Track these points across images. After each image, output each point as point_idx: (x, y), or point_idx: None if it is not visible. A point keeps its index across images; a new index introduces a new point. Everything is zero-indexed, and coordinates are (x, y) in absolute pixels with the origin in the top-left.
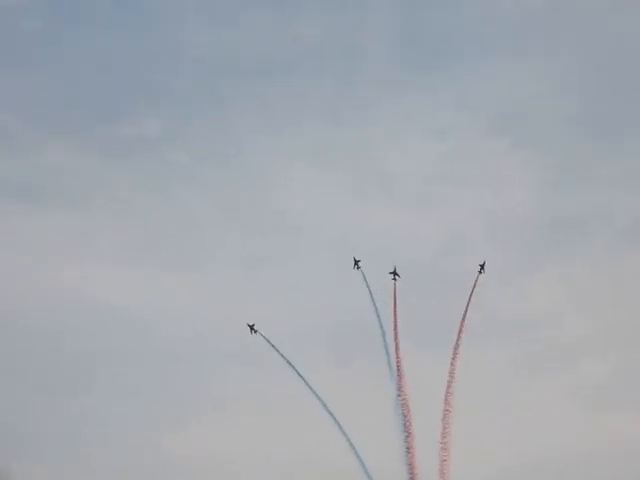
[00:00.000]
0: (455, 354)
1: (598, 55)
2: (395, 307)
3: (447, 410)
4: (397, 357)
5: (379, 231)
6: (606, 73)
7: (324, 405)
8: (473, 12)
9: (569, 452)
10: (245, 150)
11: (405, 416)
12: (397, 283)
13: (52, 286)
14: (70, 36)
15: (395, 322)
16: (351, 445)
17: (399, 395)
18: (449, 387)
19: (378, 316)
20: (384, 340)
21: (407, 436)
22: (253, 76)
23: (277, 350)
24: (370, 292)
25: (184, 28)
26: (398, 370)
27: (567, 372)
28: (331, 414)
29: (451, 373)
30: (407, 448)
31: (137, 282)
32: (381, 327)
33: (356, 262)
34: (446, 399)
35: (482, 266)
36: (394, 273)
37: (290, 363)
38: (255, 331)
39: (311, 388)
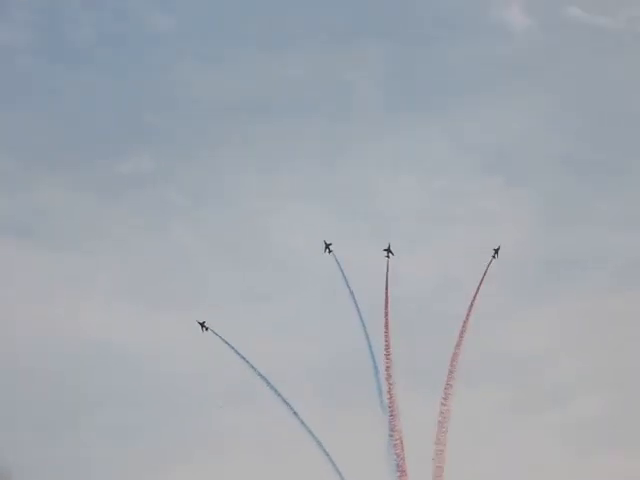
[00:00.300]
0: (448, 393)
1: (591, 93)
2: (387, 335)
3: (440, 449)
4: (390, 396)
5: (373, 269)
6: (599, 111)
7: (319, 444)
8: (464, 51)
9: None
10: (240, 188)
11: (398, 455)
12: (390, 320)
13: (48, 324)
14: (65, 75)
15: (387, 360)
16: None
17: (392, 434)
18: (442, 426)
19: (372, 354)
20: (377, 378)
21: (400, 476)
22: (246, 115)
23: (273, 387)
24: (365, 331)
25: (178, 69)
26: (391, 409)
27: (560, 411)
28: (326, 453)
29: (444, 412)
30: None
31: (134, 320)
32: (375, 366)
33: (327, 246)
34: (439, 438)
35: (496, 251)
36: (388, 250)
37: (287, 402)
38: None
39: (306, 427)
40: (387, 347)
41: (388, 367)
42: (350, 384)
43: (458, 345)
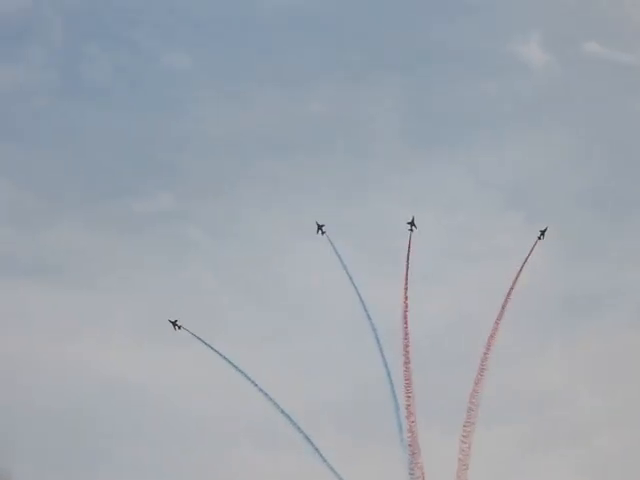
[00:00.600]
0: (468, 430)
1: (610, 129)
2: (408, 372)
3: None
4: (411, 433)
5: (392, 306)
6: (618, 148)
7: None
8: (482, 87)
9: None
10: (258, 225)
11: None
12: (411, 360)
13: (66, 364)
14: (82, 113)
15: (408, 396)
16: None
17: (413, 471)
18: (462, 463)
19: (393, 391)
20: (398, 415)
21: None
22: (263, 152)
23: (294, 423)
24: (387, 366)
25: (194, 106)
26: (412, 446)
27: (580, 449)
28: None
29: (464, 449)
30: None
31: (153, 358)
32: (395, 402)
33: (319, 227)
34: (459, 475)
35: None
36: (411, 223)
37: (308, 438)
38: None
39: (328, 463)
40: (407, 383)
41: (409, 404)
42: (371, 421)
43: (477, 382)
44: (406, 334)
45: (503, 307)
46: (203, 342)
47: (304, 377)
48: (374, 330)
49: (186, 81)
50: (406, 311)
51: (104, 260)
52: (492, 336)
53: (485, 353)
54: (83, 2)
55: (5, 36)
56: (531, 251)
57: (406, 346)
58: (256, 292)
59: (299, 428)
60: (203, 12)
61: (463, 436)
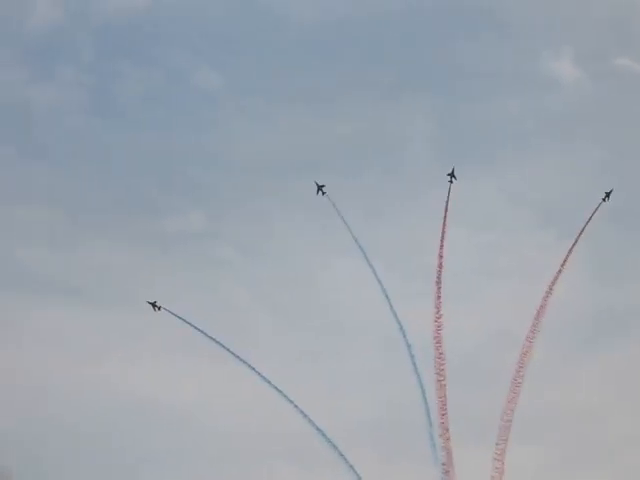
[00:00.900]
0: (501, 448)
1: None
2: (442, 389)
3: None
4: (445, 451)
5: (425, 324)
6: None
7: None
8: (513, 104)
9: None
10: (289, 245)
11: None
12: (445, 377)
13: (97, 384)
14: (113, 133)
15: (443, 415)
16: None
17: None
18: None
19: (427, 409)
20: (431, 433)
21: None
22: (294, 171)
23: (329, 440)
24: (421, 384)
25: (225, 125)
26: (446, 464)
27: (614, 466)
28: None
29: (497, 467)
30: None
31: (184, 379)
32: (429, 420)
33: (319, 187)
34: None
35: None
36: (451, 175)
37: (343, 455)
38: None
39: (361, 478)
40: (441, 401)
41: (443, 422)
42: (405, 438)
43: (510, 399)
44: (440, 351)
45: (536, 324)
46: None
47: (338, 395)
48: (408, 347)
49: (216, 100)
50: (439, 328)
51: (134, 279)
52: (525, 353)
53: (518, 370)
54: (114, 21)
55: (37, 54)
56: (568, 255)
57: (440, 363)
58: (289, 310)
59: (333, 445)
60: (233, 31)
61: (496, 454)
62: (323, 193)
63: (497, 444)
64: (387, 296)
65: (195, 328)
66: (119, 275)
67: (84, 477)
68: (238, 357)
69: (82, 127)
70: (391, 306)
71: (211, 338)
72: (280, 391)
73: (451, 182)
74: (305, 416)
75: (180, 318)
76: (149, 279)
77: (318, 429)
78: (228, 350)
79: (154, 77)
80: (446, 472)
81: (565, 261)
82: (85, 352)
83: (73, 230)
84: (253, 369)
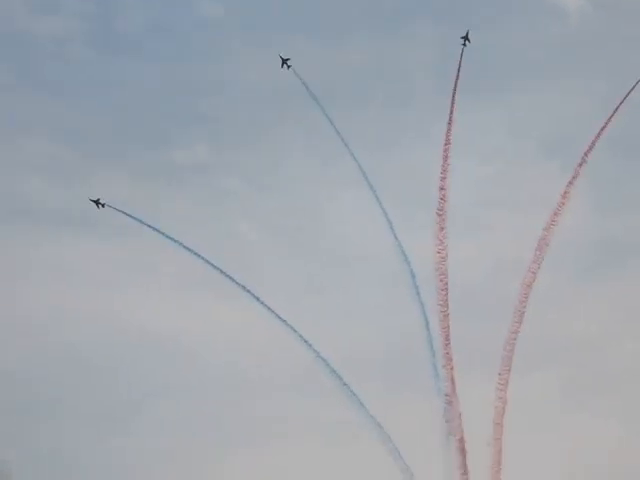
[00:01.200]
0: (504, 378)
1: None
2: (446, 320)
3: (498, 433)
4: (449, 381)
5: (430, 254)
6: None
7: (379, 427)
8: (521, 35)
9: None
10: (296, 175)
11: (457, 439)
12: (449, 307)
13: (109, 315)
14: (115, 64)
15: (447, 345)
16: (407, 469)
17: (450, 419)
18: (499, 411)
19: (431, 340)
20: (435, 364)
21: (460, 458)
22: (299, 101)
23: (333, 370)
24: (425, 315)
25: (227, 54)
26: (449, 394)
27: (618, 395)
28: (387, 436)
29: (500, 397)
30: (461, 473)
31: (191, 312)
32: (433, 350)
33: (284, 61)
34: (497, 423)
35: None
36: (465, 38)
37: (347, 385)
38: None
39: (366, 409)
40: (445, 331)
41: (446, 352)
42: (409, 369)
43: (514, 329)
44: (444, 282)
45: (538, 254)
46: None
47: (342, 326)
48: (413, 278)
49: (219, 30)
50: (443, 259)
51: (142, 212)
52: (528, 283)
53: (521, 300)
54: None
55: None
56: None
57: (443, 294)
58: (295, 241)
59: (338, 375)
60: None
61: (499, 384)
62: (288, 67)
63: (500, 374)
64: (392, 228)
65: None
66: (124, 207)
67: (89, 410)
68: (244, 288)
69: (84, 58)
70: (396, 238)
71: (217, 269)
72: (285, 322)
73: (464, 45)
74: (310, 347)
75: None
76: (154, 211)
77: (323, 360)
78: (234, 281)
79: (157, 7)
80: (449, 402)
81: (567, 192)
82: (96, 284)
83: (78, 162)
84: (259, 300)
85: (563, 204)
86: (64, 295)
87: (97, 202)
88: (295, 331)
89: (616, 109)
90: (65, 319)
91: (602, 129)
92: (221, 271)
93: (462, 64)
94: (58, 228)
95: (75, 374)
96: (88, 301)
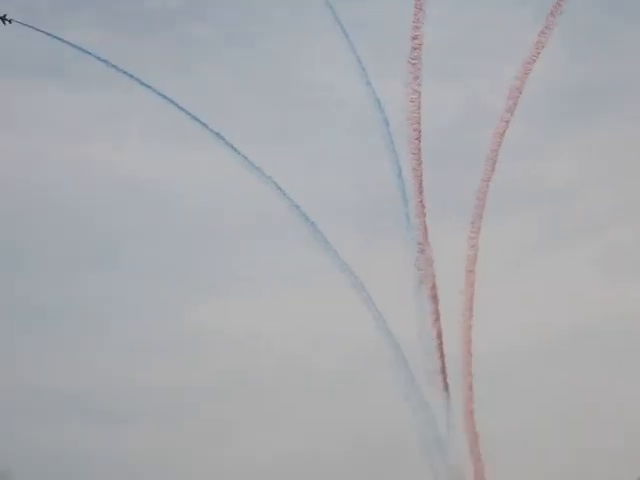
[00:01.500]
0: (477, 225)
1: None
2: (419, 168)
3: (470, 281)
4: (423, 229)
5: (404, 104)
6: None
7: (351, 274)
8: None
9: (594, 319)
10: (269, 24)
11: (429, 286)
12: (422, 156)
13: (82, 162)
14: None
15: (420, 193)
16: (379, 316)
17: (421, 267)
18: (471, 258)
19: (403, 187)
20: (407, 212)
21: (432, 305)
22: None
23: (306, 217)
24: (398, 163)
25: None
26: (422, 242)
27: (593, 242)
28: (360, 283)
29: (473, 245)
30: (433, 319)
31: (167, 159)
32: (405, 199)
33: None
34: (469, 270)
35: None
36: None
37: (320, 232)
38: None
39: (339, 257)
40: (418, 180)
41: (420, 200)
42: (381, 218)
43: (487, 177)
44: (417, 130)
45: (513, 100)
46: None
47: (315, 174)
48: (387, 125)
49: None
50: (418, 107)
51: (116, 61)
52: (501, 132)
53: (494, 149)
54: None
55: None
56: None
57: (417, 142)
58: (266, 89)
59: (311, 222)
60: None
61: (472, 232)
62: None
63: (472, 222)
64: (366, 75)
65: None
66: (100, 54)
67: (66, 253)
68: (218, 135)
69: None
70: (370, 85)
71: (190, 115)
72: (258, 168)
73: None
74: (283, 193)
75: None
76: (129, 60)
77: (296, 206)
78: (207, 127)
79: None
80: (422, 250)
81: (541, 39)
82: (69, 133)
83: (50, 12)
84: (232, 147)
85: (538, 52)
86: (41, 142)
87: (3, 19)
88: (268, 177)
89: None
90: (39, 166)
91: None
92: (194, 117)
93: None
94: (30, 78)
95: (51, 218)
96: (62, 150)
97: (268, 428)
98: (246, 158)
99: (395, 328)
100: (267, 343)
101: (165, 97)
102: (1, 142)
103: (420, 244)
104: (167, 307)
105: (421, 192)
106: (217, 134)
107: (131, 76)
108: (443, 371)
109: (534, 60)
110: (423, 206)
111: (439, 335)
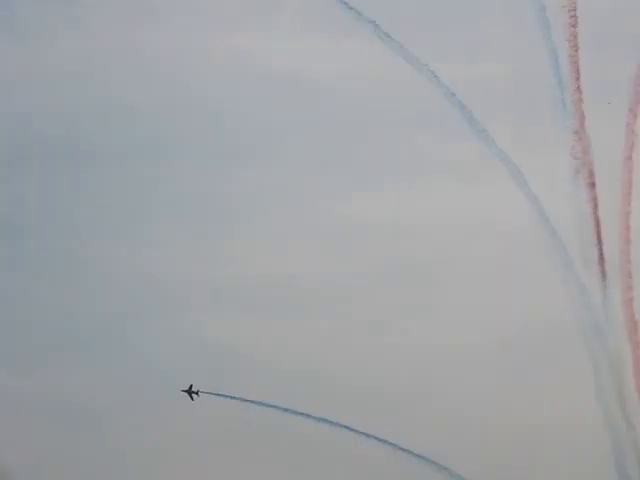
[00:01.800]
0: (634, 111)
1: None
2: (575, 53)
3: (628, 168)
4: (579, 116)
5: None
6: None
7: (507, 162)
8: None
9: None
10: None
11: (587, 176)
12: (579, 35)
13: (228, 54)
14: None
15: (576, 79)
16: (537, 203)
17: (579, 155)
18: (629, 145)
19: (559, 75)
20: (563, 101)
21: (591, 195)
22: None
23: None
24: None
25: None
26: (579, 130)
27: None
28: (517, 172)
29: (630, 131)
30: (591, 207)
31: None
32: (561, 86)
33: None
34: (626, 157)
35: None
36: None
37: (477, 122)
38: None
39: (495, 143)
40: (575, 67)
41: (577, 88)
42: (537, 105)
43: None
44: (573, 17)
45: None
46: None
47: (472, 61)
48: (542, 10)
49: None
50: None
51: None
52: None
53: None
54: None
55: None
56: None
57: (573, 28)
58: None
59: (467, 110)
60: None
61: (629, 118)
62: None
63: (630, 109)
64: None
65: None
66: None
67: (214, 149)
68: (372, 22)
69: None
70: None
71: (344, 3)
72: (414, 56)
73: None
74: (439, 81)
75: None
76: None
77: (452, 94)
78: (362, 16)
79: None
80: (579, 139)
81: None
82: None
83: None
84: (387, 35)
85: None
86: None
87: None
88: (424, 65)
89: None
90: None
91: None
92: (346, 4)
93: None
94: None
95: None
96: (211, 41)
97: (421, 318)
98: (402, 46)
99: (553, 216)
100: (423, 232)
101: None
102: (144, 34)
103: (577, 132)
104: (325, 198)
105: (577, 79)
106: (372, 22)
107: None
108: (601, 259)
109: None
110: (580, 92)
111: (597, 223)
